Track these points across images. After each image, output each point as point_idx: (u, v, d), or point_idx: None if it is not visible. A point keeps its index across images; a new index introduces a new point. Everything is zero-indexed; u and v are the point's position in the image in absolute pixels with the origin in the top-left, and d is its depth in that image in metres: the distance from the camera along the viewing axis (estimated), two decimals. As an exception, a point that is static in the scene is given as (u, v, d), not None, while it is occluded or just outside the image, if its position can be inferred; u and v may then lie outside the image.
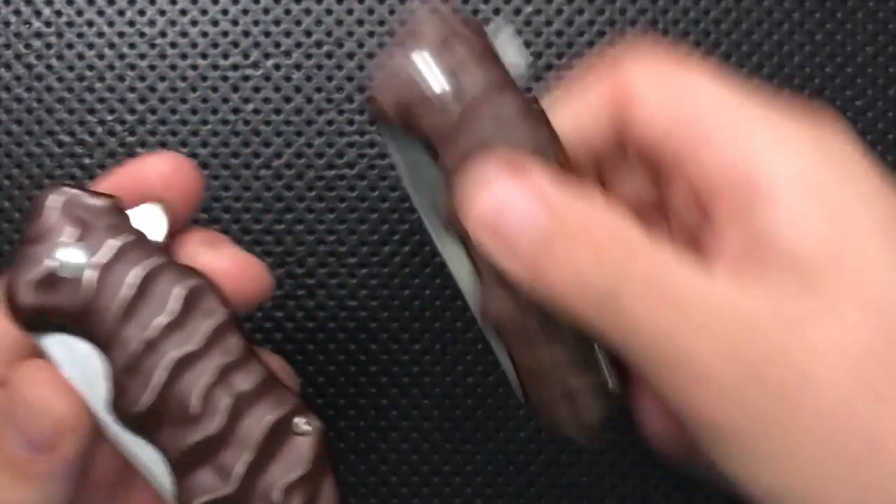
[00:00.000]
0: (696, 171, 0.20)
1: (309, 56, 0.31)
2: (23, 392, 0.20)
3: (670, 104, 0.20)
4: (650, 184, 0.22)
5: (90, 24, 0.31)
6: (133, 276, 0.20)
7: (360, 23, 0.31)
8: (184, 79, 0.31)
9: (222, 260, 0.22)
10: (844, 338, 0.17)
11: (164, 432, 0.20)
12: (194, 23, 0.31)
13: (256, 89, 0.31)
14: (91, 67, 0.31)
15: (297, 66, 0.31)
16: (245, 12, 0.31)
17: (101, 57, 0.31)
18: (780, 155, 0.18)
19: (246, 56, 0.31)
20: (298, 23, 0.31)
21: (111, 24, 0.31)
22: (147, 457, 0.21)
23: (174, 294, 0.20)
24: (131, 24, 0.31)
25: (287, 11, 0.31)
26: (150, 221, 0.21)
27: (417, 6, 0.21)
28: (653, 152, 0.21)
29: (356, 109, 0.31)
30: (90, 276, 0.20)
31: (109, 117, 0.31)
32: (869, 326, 0.17)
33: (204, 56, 0.31)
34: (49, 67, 0.31)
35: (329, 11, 0.31)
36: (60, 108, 0.31)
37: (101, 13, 0.31)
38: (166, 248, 0.21)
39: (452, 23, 0.20)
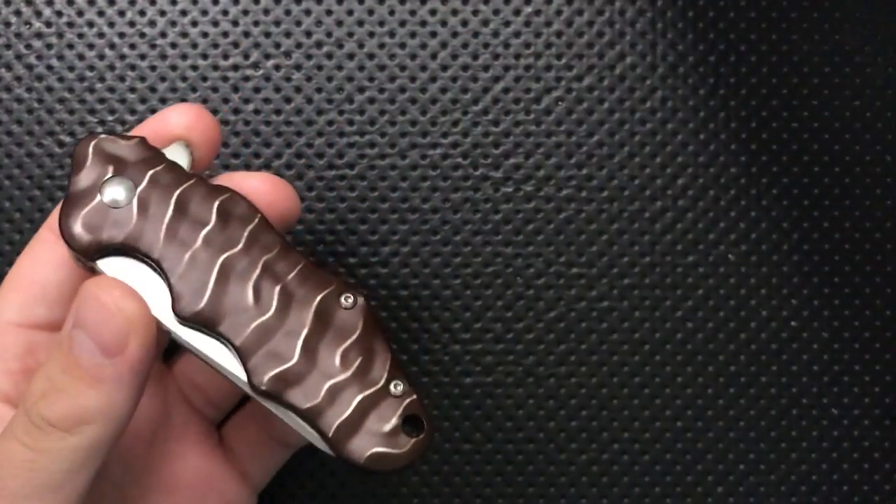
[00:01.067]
0: None
1: (309, 57, 0.31)
2: (96, 295, 0.21)
3: None
4: None
5: (91, 24, 0.31)
6: (171, 196, 0.23)
7: (360, 24, 0.31)
8: (184, 79, 0.31)
9: (253, 179, 0.25)
10: None
11: (224, 324, 0.23)
12: (195, 23, 0.31)
13: (256, 90, 0.31)
14: (92, 68, 0.31)
15: (298, 67, 0.31)
16: (245, 13, 0.31)
17: (101, 57, 0.31)
18: None
19: (246, 57, 0.31)
20: (298, 23, 0.31)
21: (112, 24, 0.31)
22: (212, 349, 0.23)
23: (210, 207, 0.23)
24: (132, 24, 0.31)
25: (287, 12, 0.31)
26: (178, 156, 0.24)
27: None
28: None
29: (356, 110, 0.31)
30: (133, 203, 0.23)
31: (110, 118, 0.31)
32: None
33: (204, 57, 0.31)
34: (50, 68, 0.31)
35: (329, 12, 0.31)
36: (61, 109, 0.31)
37: (101, 14, 0.31)
38: (195, 175, 0.24)
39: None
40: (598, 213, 0.32)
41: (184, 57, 0.31)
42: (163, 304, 0.23)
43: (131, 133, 0.24)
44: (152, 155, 0.23)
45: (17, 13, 0.31)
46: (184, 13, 0.31)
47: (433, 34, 0.31)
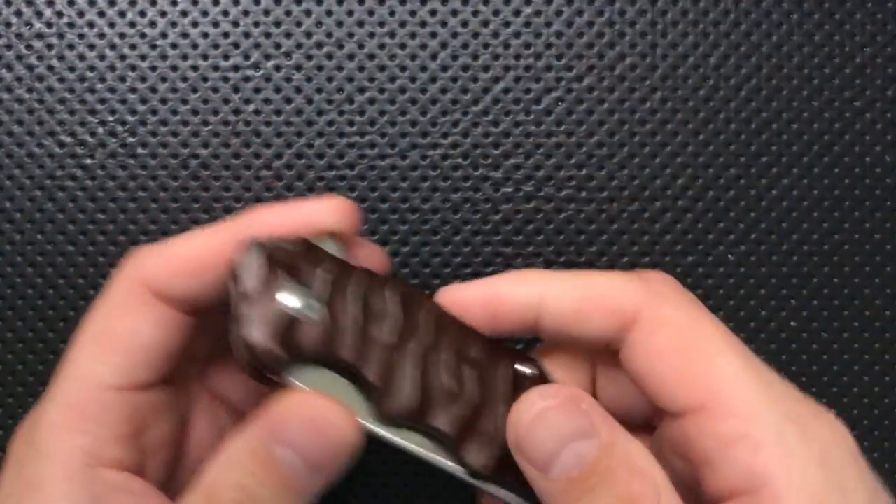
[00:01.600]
0: (701, 453, 0.21)
1: (309, 57, 0.31)
2: (307, 416, 0.20)
3: (685, 367, 0.21)
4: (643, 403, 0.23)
5: (91, 25, 0.31)
6: (355, 297, 0.22)
7: (361, 24, 0.31)
8: (185, 80, 0.31)
9: (375, 255, 0.25)
10: None
11: (431, 416, 0.22)
12: (195, 24, 0.31)
13: (257, 90, 0.31)
14: (92, 68, 0.31)
15: (298, 67, 0.31)
16: (246, 14, 0.31)
17: (102, 58, 0.31)
18: (789, 472, 0.19)
19: (247, 57, 0.31)
20: (299, 24, 0.31)
21: (112, 25, 0.31)
22: (418, 442, 0.22)
23: (395, 301, 0.22)
24: (132, 25, 0.31)
25: (288, 13, 0.31)
26: (335, 251, 0.23)
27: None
28: (653, 391, 0.22)
29: (356, 111, 0.31)
30: (321, 310, 0.21)
31: (111, 118, 0.31)
32: None
33: (205, 57, 0.31)
34: (50, 68, 0.31)
35: (329, 13, 0.31)
36: (62, 109, 0.31)
37: (101, 14, 0.31)
38: (364, 269, 0.23)
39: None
40: (598, 213, 0.32)
41: (184, 58, 0.31)
42: (361, 407, 0.22)
43: (279, 220, 0.23)
44: (319, 255, 0.22)
45: (18, 14, 0.31)
46: (184, 14, 0.31)
47: (433, 35, 0.31)
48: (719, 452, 0.20)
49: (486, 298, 0.23)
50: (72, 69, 0.31)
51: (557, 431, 0.20)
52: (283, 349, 0.21)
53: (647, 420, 0.24)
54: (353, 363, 0.21)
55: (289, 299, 0.21)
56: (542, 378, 0.23)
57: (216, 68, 0.31)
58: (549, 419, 0.20)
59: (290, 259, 0.21)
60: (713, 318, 0.22)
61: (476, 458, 0.22)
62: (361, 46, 0.31)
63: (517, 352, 0.24)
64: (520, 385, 0.23)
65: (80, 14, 0.31)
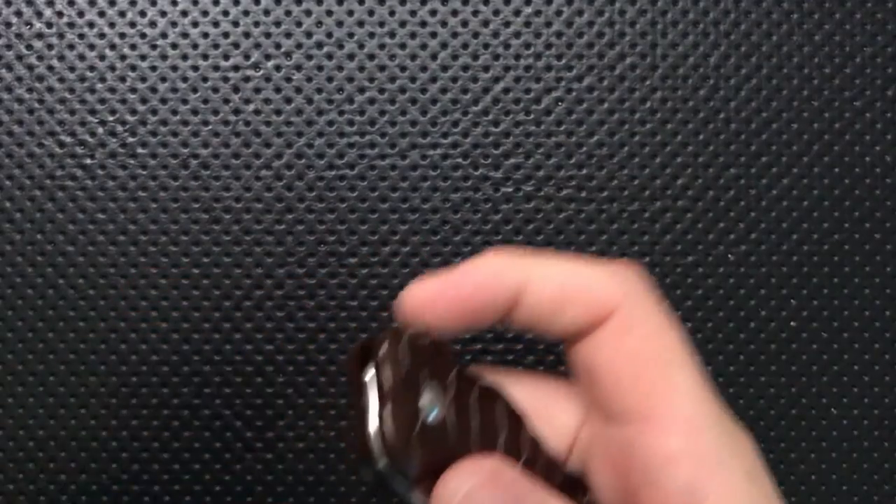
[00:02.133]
0: (641, 463, 0.21)
1: (309, 57, 0.31)
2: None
3: (644, 374, 0.21)
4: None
5: (91, 25, 0.31)
6: (475, 402, 0.21)
7: (361, 24, 0.31)
8: (185, 80, 0.31)
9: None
10: None
11: None
12: (195, 24, 0.31)
13: (257, 90, 0.31)
14: (92, 68, 0.31)
15: (298, 67, 0.31)
16: (246, 14, 0.31)
17: (102, 58, 0.31)
18: (725, 487, 0.20)
19: (247, 57, 0.31)
20: (299, 24, 0.31)
21: (112, 25, 0.31)
22: None
23: (503, 412, 0.22)
24: (132, 25, 0.31)
25: (288, 13, 0.31)
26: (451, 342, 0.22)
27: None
28: (605, 391, 0.22)
29: (356, 110, 0.31)
30: (450, 414, 0.20)
31: (111, 118, 0.31)
32: None
33: (205, 57, 0.31)
34: (50, 68, 0.31)
35: (329, 13, 0.31)
36: (62, 109, 0.31)
37: (102, 14, 0.31)
38: (477, 375, 0.22)
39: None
40: (598, 213, 0.32)
41: (184, 57, 0.31)
42: None
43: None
44: (446, 351, 0.21)
45: (19, 14, 0.31)
46: (184, 14, 0.31)
47: (433, 35, 0.31)
48: (661, 465, 0.20)
49: (459, 295, 0.21)
50: (72, 69, 0.31)
51: None
52: (421, 452, 0.19)
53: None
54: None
55: (426, 401, 0.20)
56: None
57: (216, 68, 0.31)
58: (475, 499, 0.20)
59: (428, 357, 0.20)
60: (678, 327, 0.22)
61: None
62: (361, 46, 0.31)
63: (580, 481, 0.23)
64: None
65: (81, 14, 0.31)
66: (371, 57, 0.31)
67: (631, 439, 0.21)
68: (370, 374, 0.20)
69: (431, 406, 0.20)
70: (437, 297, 0.21)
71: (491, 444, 0.21)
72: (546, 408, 0.23)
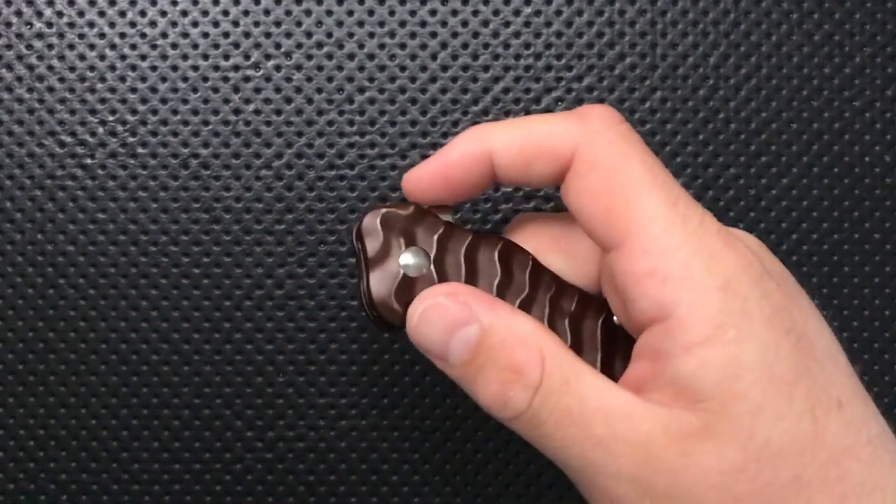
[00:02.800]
0: (621, 287, 0.23)
1: (310, 57, 0.31)
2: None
3: (609, 207, 0.23)
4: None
5: (91, 25, 0.31)
6: (460, 256, 0.25)
7: (361, 24, 0.31)
8: (185, 80, 0.31)
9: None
10: (723, 462, 0.21)
11: None
12: (195, 24, 0.31)
13: (257, 90, 0.31)
14: (92, 68, 0.31)
15: (298, 67, 0.31)
16: (246, 13, 0.31)
17: (102, 58, 0.31)
18: (692, 300, 0.21)
19: (247, 57, 0.31)
20: (299, 24, 0.31)
21: (112, 24, 0.31)
22: None
23: (493, 258, 0.25)
24: (132, 24, 0.31)
25: (288, 13, 0.31)
26: (450, 215, 0.26)
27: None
28: (587, 230, 0.24)
29: (356, 110, 0.31)
30: (432, 270, 0.24)
31: (111, 118, 0.31)
32: (741, 455, 0.20)
33: (205, 57, 0.31)
34: (50, 68, 0.31)
35: (329, 13, 0.31)
36: (62, 109, 0.31)
37: (102, 14, 0.31)
38: (469, 231, 0.25)
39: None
40: (499, 228, 0.32)
41: (185, 57, 0.31)
42: None
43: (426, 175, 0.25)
44: (430, 219, 0.25)
45: (19, 14, 0.31)
46: (184, 14, 0.31)
47: (433, 35, 0.31)
48: (633, 287, 0.22)
49: (441, 170, 0.24)
50: (72, 69, 0.31)
51: (441, 325, 0.23)
52: (399, 304, 0.24)
53: None
54: None
55: (404, 261, 0.24)
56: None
57: (216, 68, 0.31)
58: (432, 316, 0.23)
59: (405, 224, 0.25)
60: (643, 155, 0.23)
61: None
62: (361, 46, 0.31)
63: (606, 302, 0.25)
64: (611, 332, 0.25)
65: (81, 14, 0.31)
66: (371, 57, 0.31)
67: (612, 265, 0.23)
68: (358, 247, 0.25)
69: (412, 266, 0.24)
70: (423, 176, 0.25)
71: (480, 288, 0.24)
72: (571, 243, 0.26)
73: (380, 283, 0.24)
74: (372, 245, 0.25)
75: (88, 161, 0.31)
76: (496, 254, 0.25)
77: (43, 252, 0.31)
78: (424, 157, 0.31)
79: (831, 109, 0.32)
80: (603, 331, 0.25)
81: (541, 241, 0.26)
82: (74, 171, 0.31)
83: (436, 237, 0.25)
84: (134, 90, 0.31)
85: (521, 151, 0.23)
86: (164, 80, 0.31)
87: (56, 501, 0.32)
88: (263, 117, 0.31)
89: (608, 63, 0.32)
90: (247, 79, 0.31)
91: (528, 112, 0.31)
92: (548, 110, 0.32)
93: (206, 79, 0.31)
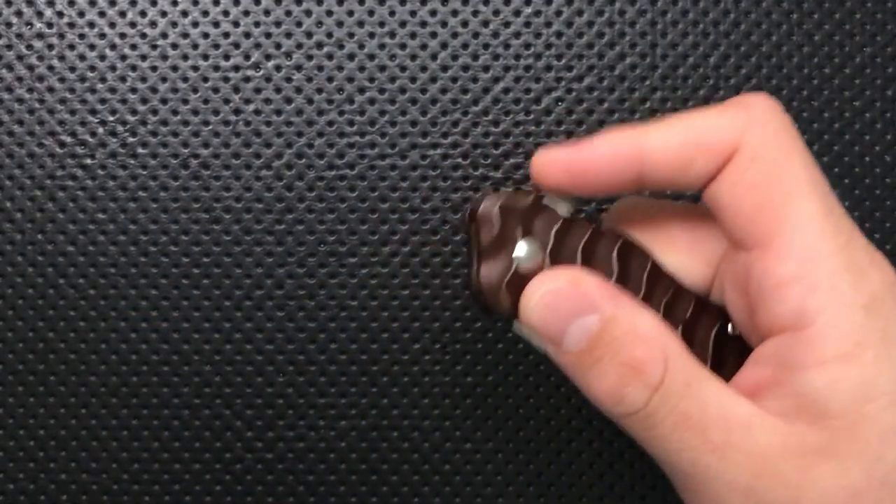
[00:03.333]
0: (758, 289, 0.22)
1: (310, 57, 0.31)
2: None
3: (763, 203, 0.22)
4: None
5: (91, 25, 0.31)
6: (577, 251, 0.24)
7: (361, 24, 0.31)
8: (185, 80, 0.31)
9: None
10: (845, 483, 0.20)
11: None
12: (195, 24, 0.31)
13: (257, 90, 0.31)
14: (92, 68, 0.31)
15: (298, 67, 0.31)
16: (246, 14, 0.31)
17: (102, 58, 0.31)
18: (835, 314, 0.20)
19: (247, 57, 0.31)
20: (299, 24, 0.31)
21: (112, 25, 0.31)
22: None
23: (611, 256, 0.24)
24: (132, 25, 0.31)
25: (288, 13, 0.31)
26: (566, 207, 0.24)
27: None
28: (728, 223, 0.22)
29: (357, 111, 0.31)
30: (546, 262, 0.23)
31: (111, 118, 0.31)
32: (865, 477, 0.20)
33: (205, 57, 0.31)
34: (50, 68, 0.31)
35: (330, 13, 0.31)
36: (62, 109, 0.31)
37: (102, 14, 0.31)
38: (587, 222, 0.24)
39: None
40: (599, 213, 0.32)
41: (185, 58, 0.31)
42: None
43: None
44: (549, 210, 0.24)
45: (19, 14, 0.31)
46: (185, 14, 0.31)
47: (433, 35, 0.31)
48: (773, 290, 0.21)
49: (582, 163, 0.23)
50: (72, 69, 0.31)
51: (561, 311, 0.22)
52: (509, 295, 0.23)
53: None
54: None
55: (519, 252, 0.23)
56: (742, 339, 0.24)
57: (217, 68, 0.31)
58: (552, 300, 0.22)
59: (523, 213, 0.23)
60: (806, 155, 0.22)
61: None
62: (361, 46, 0.31)
63: (723, 310, 0.24)
64: (721, 343, 0.24)
65: (81, 14, 0.31)
66: (371, 57, 0.31)
67: (751, 265, 0.22)
68: (472, 231, 0.24)
69: (525, 258, 0.23)
70: (558, 162, 0.23)
71: None
72: (691, 239, 0.24)
73: (491, 272, 0.23)
74: (487, 232, 0.23)
75: (88, 161, 0.31)
76: (615, 251, 0.24)
77: (43, 252, 0.31)
78: (423, 156, 0.31)
79: (831, 109, 0.32)
80: (715, 341, 0.24)
81: (655, 233, 0.25)
82: (74, 171, 0.31)
83: (554, 230, 0.24)
84: (134, 90, 0.31)
85: (682, 149, 0.22)
86: (164, 80, 0.31)
87: (56, 501, 0.32)
88: (263, 117, 0.31)
89: (608, 63, 0.32)
90: (247, 79, 0.31)
91: (528, 112, 0.31)
92: (548, 111, 0.32)
93: (206, 79, 0.31)
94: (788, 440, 0.20)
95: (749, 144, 0.21)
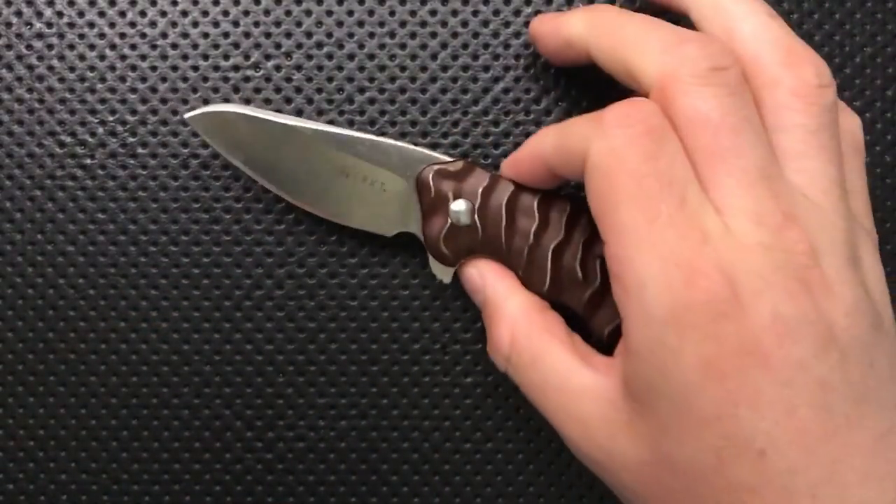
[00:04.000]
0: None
1: (309, 57, 0.31)
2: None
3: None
4: None
5: (91, 25, 0.31)
6: (501, 206, 0.28)
7: (361, 24, 0.31)
8: (185, 80, 0.31)
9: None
10: (637, 457, 0.24)
11: (564, 298, 0.28)
12: (195, 24, 0.31)
13: (257, 90, 0.31)
14: (92, 68, 0.31)
15: (298, 68, 0.31)
16: (246, 14, 0.31)
17: (102, 58, 0.31)
18: (637, 316, 0.23)
19: (247, 57, 0.31)
20: (299, 24, 0.31)
21: (112, 25, 0.31)
22: None
23: (532, 207, 0.28)
24: (132, 25, 0.31)
25: (288, 13, 0.31)
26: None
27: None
28: None
29: (357, 111, 0.31)
30: (476, 219, 0.28)
31: (111, 118, 0.31)
32: (651, 453, 0.23)
33: (205, 57, 0.31)
34: (50, 68, 0.31)
35: (330, 13, 0.31)
36: (62, 109, 0.31)
37: (102, 14, 0.31)
38: (512, 182, 0.28)
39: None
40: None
41: (185, 57, 0.31)
42: None
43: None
44: (477, 173, 0.28)
45: (19, 14, 0.31)
46: (184, 14, 0.31)
47: (433, 35, 0.31)
48: (612, 278, 0.25)
49: (513, 168, 0.28)
50: (72, 69, 0.31)
51: (470, 288, 0.29)
52: (447, 248, 0.28)
53: None
54: (502, 257, 0.28)
55: (454, 212, 0.28)
56: None
57: (216, 68, 0.31)
58: (467, 281, 0.29)
59: (454, 178, 0.28)
60: (636, 167, 0.24)
61: (600, 326, 0.27)
62: (361, 46, 0.31)
63: None
64: None
65: (81, 14, 0.31)
66: (371, 57, 0.31)
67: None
68: (416, 198, 0.29)
69: (457, 214, 0.28)
70: (505, 170, 0.28)
71: (519, 235, 0.28)
72: None
73: (432, 228, 0.28)
74: (427, 195, 0.28)
75: (88, 161, 0.31)
76: (535, 202, 0.28)
77: (43, 252, 0.31)
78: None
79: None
80: None
81: None
82: (74, 171, 0.31)
83: (480, 189, 0.28)
84: (134, 90, 0.31)
85: (558, 152, 0.25)
86: (164, 80, 0.31)
87: (56, 501, 0.32)
88: (263, 117, 0.31)
89: (608, 63, 0.32)
90: (247, 79, 0.31)
91: (528, 113, 0.31)
92: (547, 111, 0.32)
93: (206, 79, 0.31)
94: (606, 411, 0.24)
95: (590, 155, 0.24)
